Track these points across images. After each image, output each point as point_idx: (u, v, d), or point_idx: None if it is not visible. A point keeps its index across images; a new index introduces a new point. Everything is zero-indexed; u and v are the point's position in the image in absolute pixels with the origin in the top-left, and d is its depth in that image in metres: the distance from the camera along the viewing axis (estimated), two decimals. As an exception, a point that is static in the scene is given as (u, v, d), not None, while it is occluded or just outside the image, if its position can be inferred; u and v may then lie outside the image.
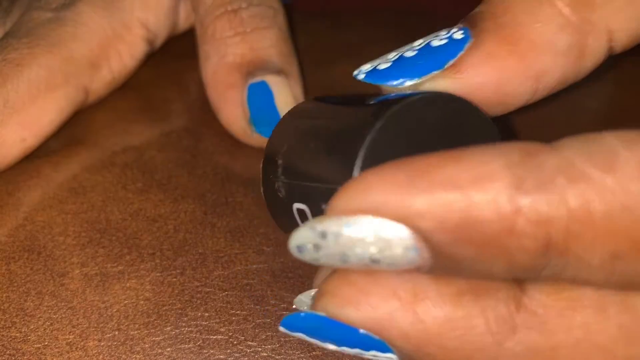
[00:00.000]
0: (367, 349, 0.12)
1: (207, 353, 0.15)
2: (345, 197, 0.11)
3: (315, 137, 0.15)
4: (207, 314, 0.16)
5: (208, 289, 0.16)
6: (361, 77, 0.15)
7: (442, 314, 0.11)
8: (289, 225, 0.15)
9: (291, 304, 0.16)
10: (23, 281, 0.16)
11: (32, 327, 0.15)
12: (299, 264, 0.17)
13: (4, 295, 0.16)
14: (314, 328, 0.12)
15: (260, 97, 0.20)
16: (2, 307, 0.16)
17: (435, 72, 0.14)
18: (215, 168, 0.20)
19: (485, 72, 0.14)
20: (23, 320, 0.15)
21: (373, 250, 0.11)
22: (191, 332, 0.15)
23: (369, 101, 0.15)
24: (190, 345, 0.15)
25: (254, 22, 0.22)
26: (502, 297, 0.12)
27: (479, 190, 0.10)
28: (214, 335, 0.15)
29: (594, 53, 0.15)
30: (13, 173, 0.19)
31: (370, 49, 0.17)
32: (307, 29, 0.25)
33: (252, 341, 0.15)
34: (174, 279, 0.17)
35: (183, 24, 0.24)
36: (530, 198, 0.10)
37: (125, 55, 0.22)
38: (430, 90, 0.14)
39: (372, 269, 0.11)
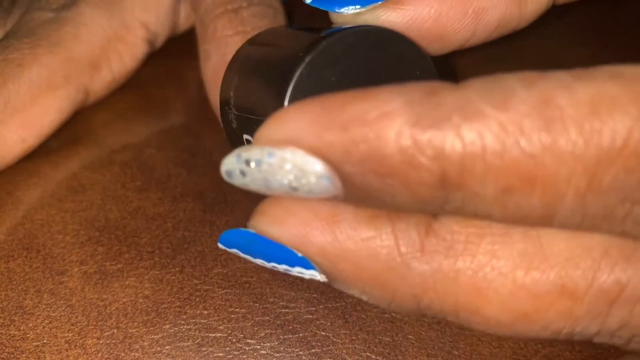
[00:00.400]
0: (292, 265, 0.13)
1: (206, 351, 0.15)
2: (268, 128, 0.12)
3: (259, 69, 0.15)
4: (206, 312, 0.16)
5: (207, 287, 0.16)
6: (308, 1, 0.16)
7: (355, 233, 0.12)
8: None
9: (290, 301, 0.16)
10: (22, 279, 0.16)
11: (30, 325, 0.15)
12: None
13: (3, 293, 0.16)
14: (247, 245, 0.14)
15: None
16: (1, 305, 0.16)
17: (376, 4, 0.15)
18: (214, 167, 0.20)
19: (424, 6, 0.15)
20: (22, 318, 0.15)
21: (291, 177, 0.12)
22: (190, 329, 0.15)
23: (314, 35, 0.15)
24: (189, 342, 0.15)
25: (254, 22, 0.22)
26: (413, 222, 0.12)
27: (380, 126, 0.11)
28: (213, 333, 0.15)
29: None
30: (12, 172, 0.20)
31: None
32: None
33: (251, 339, 0.15)
34: (173, 277, 0.17)
35: (183, 24, 0.24)
36: (427, 133, 0.11)
37: (126, 55, 0.22)
38: (371, 23, 0.15)
39: (294, 196, 0.12)
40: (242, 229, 0.14)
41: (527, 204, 0.12)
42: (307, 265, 0.13)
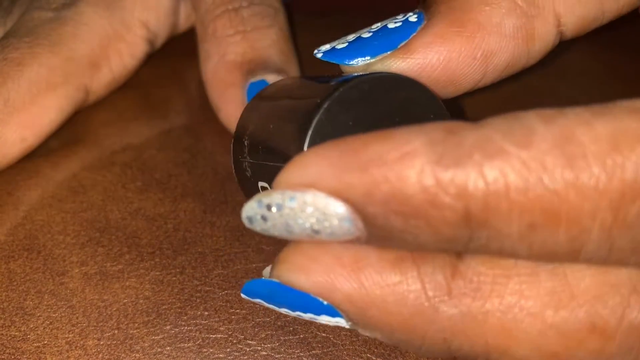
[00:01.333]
0: (318, 314, 0.13)
1: (206, 352, 0.15)
2: (288, 173, 0.12)
3: (274, 117, 0.16)
4: (206, 313, 0.16)
5: (208, 288, 0.16)
6: (319, 55, 0.16)
7: (381, 279, 0.12)
8: None
9: None
10: (22, 280, 0.16)
11: (31, 326, 0.15)
12: None
13: (4, 294, 0.16)
14: (271, 294, 0.13)
15: None
16: (1, 306, 0.16)
17: (388, 53, 0.15)
18: (215, 167, 0.20)
19: (433, 53, 0.15)
20: (22, 319, 0.15)
21: (313, 221, 0.12)
22: (191, 331, 0.15)
23: (328, 82, 0.15)
24: (190, 344, 0.15)
25: (255, 21, 0.22)
26: (439, 264, 0.12)
27: (402, 166, 0.11)
28: (213, 334, 0.15)
29: (543, 37, 0.16)
30: (12, 172, 0.20)
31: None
32: (308, 29, 0.25)
33: (251, 340, 0.15)
34: (174, 278, 0.17)
35: (183, 24, 0.24)
36: (449, 172, 0.11)
37: (126, 55, 0.22)
38: (382, 71, 0.15)
39: (316, 240, 0.12)
40: (265, 279, 0.13)
41: (553, 240, 0.12)
42: (333, 313, 0.13)
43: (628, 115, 0.11)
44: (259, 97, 0.17)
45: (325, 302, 0.13)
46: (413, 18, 0.15)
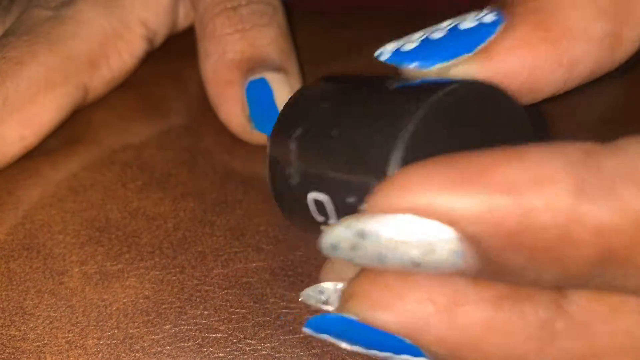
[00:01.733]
0: (398, 353, 0.11)
1: (206, 351, 0.15)
2: (387, 194, 0.10)
3: (338, 122, 0.13)
4: (206, 312, 0.16)
5: (207, 287, 0.16)
6: (385, 57, 0.14)
7: (481, 319, 0.11)
8: (300, 215, 0.14)
9: (291, 301, 0.16)
10: (22, 279, 0.16)
11: (31, 325, 0.15)
12: (299, 263, 0.17)
13: (3, 293, 0.16)
14: (344, 331, 0.12)
15: (259, 94, 0.20)
16: (1, 306, 0.16)
17: (464, 56, 0.13)
18: (215, 166, 0.20)
19: (516, 59, 0.13)
20: (22, 319, 0.15)
21: (415, 253, 0.10)
22: (190, 330, 0.15)
23: (392, 85, 0.14)
24: (190, 343, 0.15)
25: (254, 19, 0.22)
26: (543, 301, 0.11)
27: (538, 194, 0.09)
28: (213, 334, 0.15)
29: (628, 43, 0.14)
30: (12, 171, 0.20)
31: (369, 48, 0.17)
32: (307, 27, 0.25)
33: (251, 339, 0.15)
34: (174, 278, 0.17)
35: (182, 22, 0.24)
36: (592, 205, 0.09)
37: (125, 53, 0.22)
38: (456, 76, 0.13)
39: (411, 272, 0.11)
40: (337, 314, 0.11)
41: None
42: (417, 353, 0.11)
43: None
44: (302, 96, 0.15)
45: (409, 342, 0.11)
46: (489, 18, 0.14)
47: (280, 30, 0.22)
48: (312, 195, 0.13)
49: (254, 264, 0.17)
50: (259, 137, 0.20)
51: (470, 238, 0.10)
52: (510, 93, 0.13)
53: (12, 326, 0.15)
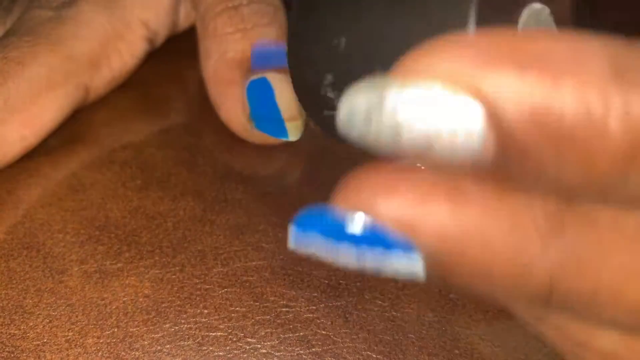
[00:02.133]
0: (390, 249, 0.10)
1: (206, 350, 0.15)
2: (415, 61, 0.09)
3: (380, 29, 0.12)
4: (206, 311, 0.16)
5: (207, 286, 0.16)
6: None
7: (484, 210, 0.10)
8: (316, 103, 0.13)
9: (291, 300, 0.16)
10: (22, 278, 0.16)
11: (31, 324, 0.15)
12: (298, 261, 0.17)
13: (3, 292, 0.16)
14: (331, 227, 0.10)
15: (260, 93, 0.21)
16: (1, 305, 0.16)
17: None
18: (215, 165, 0.21)
19: None
20: (22, 318, 0.16)
21: (436, 127, 0.09)
22: (190, 328, 0.15)
23: None
24: (190, 342, 0.15)
25: (255, 19, 0.22)
26: (551, 198, 0.10)
27: (575, 75, 0.09)
28: (213, 332, 0.15)
29: None
30: (12, 171, 0.20)
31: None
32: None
33: (251, 338, 0.15)
34: (173, 276, 0.17)
35: (183, 23, 0.25)
36: (628, 93, 0.09)
37: (126, 53, 0.22)
38: None
39: (420, 157, 0.09)
40: (326, 205, 0.10)
41: None
42: (409, 250, 0.10)
43: None
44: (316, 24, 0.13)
45: (402, 238, 0.10)
46: None
47: (282, 30, 0.22)
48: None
49: (254, 263, 0.17)
50: (260, 136, 0.21)
51: (495, 116, 0.09)
52: None
53: (12, 325, 0.15)
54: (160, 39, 0.24)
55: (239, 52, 0.21)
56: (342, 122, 0.09)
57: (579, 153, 0.09)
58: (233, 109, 0.21)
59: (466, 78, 0.09)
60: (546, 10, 0.12)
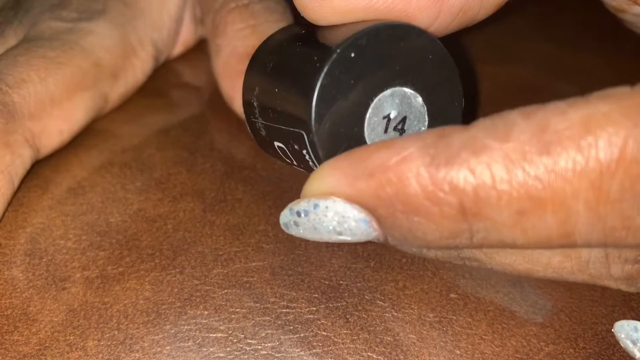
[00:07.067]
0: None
1: (206, 351, 0.16)
2: (310, 184, 0.15)
3: (278, 81, 0.17)
4: (206, 312, 0.16)
5: (207, 287, 0.17)
6: None
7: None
8: (277, 156, 0.18)
9: (291, 301, 0.17)
10: (26, 287, 0.17)
11: (34, 330, 0.16)
12: (299, 262, 0.18)
13: (7, 301, 0.17)
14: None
15: None
16: (5, 313, 0.17)
17: None
18: (214, 165, 0.21)
19: None
20: (25, 324, 0.16)
21: (334, 223, 0.15)
22: (190, 330, 0.16)
23: (323, 38, 0.16)
24: (190, 343, 0.16)
25: (265, 15, 0.23)
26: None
27: (400, 169, 0.13)
28: (213, 333, 0.16)
29: None
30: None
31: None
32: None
33: (251, 339, 0.16)
34: (174, 278, 0.17)
35: (178, 48, 0.26)
36: (441, 171, 0.13)
37: (138, 69, 0.23)
38: (334, 7, 0.16)
39: (340, 240, 0.15)
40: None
41: (544, 225, 0.13)
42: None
43: (600, 100, 0.12)
44: (260, 54, 0.18)
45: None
46: None
47: None
48: (276, 144, 0.17)
49: (254, 264, 0.18)
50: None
51: (366, 209, 0.14)
52: (419, 27, 0.16)
53: (16, 332, 0.16)
54: (163, 58, 0.25)
55: (249, 47, 0.22)
56: (283, 228, 0.16)
57: (427, 220, 0.14)
58: None
59: (343, 189, 0.14)
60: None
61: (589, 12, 0.25)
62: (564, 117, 0.13)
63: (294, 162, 0.17)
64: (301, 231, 0.15)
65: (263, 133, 0.18)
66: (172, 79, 0.25)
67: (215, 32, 0.23)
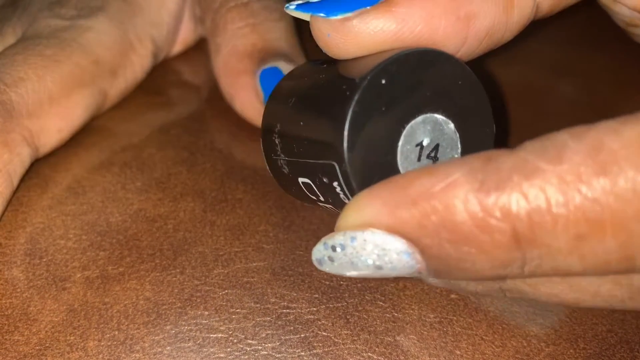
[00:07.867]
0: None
1: (206, 351, 0.16)
2: (347, 216, 0.14)
3: (303, 113, 0.16)
4: (206, 313, 0.17)
5: (208, 288, 0.17)
6: (292, 8, 0.17)
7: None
8: (300, 194, 0.17)
9: (292, 301, 0.17)
10: (26, 287, 0.17)
11: (34, 330, 0.16)
12: (299, 262, 0.18)
13: (8, 301, 0.17)
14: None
15: (272, 81, 0.21)
16: (6, 313, 0.17)
17: (366, 8, 0.16)
18: (215, 165, 0.21)
19: (416, 8, 0.16)
20: (26, 324, 0.16)
21: (374, 257, 0.14)
22: (191, 330, 0.16)
23: (349, 68, 0.16)
24: (190, 343, 0.16)
25: (264, 14, 0.23)
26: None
27: (447, 196, 0.13)
28: (213, 334, 0.16)
29: (521, 6, 0.17)
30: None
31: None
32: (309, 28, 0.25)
33: (252, 339, 0.16)
34: (174, 278, 0.17)
35: (177, 46, 0.26)
36: (492, 196, 0.12)
37: (137, 66, 0.24)
38: (359, 29, 0.16)
39: (380, 275, 0.14)
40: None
41: (603, 250, 0.13)
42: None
43: None
44: (279, 90, 0.18)
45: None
46: None
47: (290, 27, 0.23)
48: (301, 180, 0.17)
49: (255, 264, 0.18)
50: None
51: (410, 240, 0.13)
52: (450, 54, 0.16)
53: (16, 332, 0.16)
54: (162, 56, 0.25)
55: (248, 45, 0.22)
56: (316, 265, 0.15)
57: (477, 249, 0.13)
58: (247, 97, 0.22)
59: (383, 220, 0.13)
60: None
61: (593, 12, 0.25)
62: (617, 136, 0.12)
63: (321, 198, 0.17)
64: (336, 266, 0.14)
65: (286, 170, 0.17)
66: (171, 78, 0.25)
67: (215, 31, 0.23)
